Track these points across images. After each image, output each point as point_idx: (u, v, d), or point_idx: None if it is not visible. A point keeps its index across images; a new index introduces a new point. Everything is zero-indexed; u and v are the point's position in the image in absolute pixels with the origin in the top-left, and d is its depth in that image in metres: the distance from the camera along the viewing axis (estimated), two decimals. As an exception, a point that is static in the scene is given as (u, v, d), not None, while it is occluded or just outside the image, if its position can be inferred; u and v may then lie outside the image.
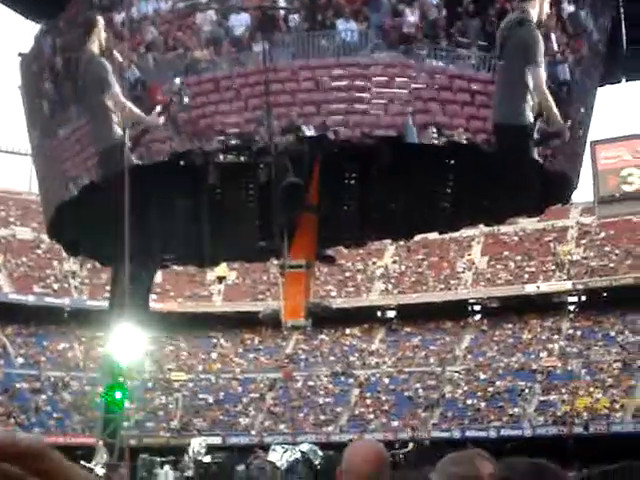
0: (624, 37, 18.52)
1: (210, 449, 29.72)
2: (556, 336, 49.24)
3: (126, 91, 16.26)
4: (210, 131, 16.35)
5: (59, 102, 17.55)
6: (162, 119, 16.23)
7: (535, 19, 14.87)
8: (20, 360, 49.89)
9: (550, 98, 15.06)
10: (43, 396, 47.90)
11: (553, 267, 52.07)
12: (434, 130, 15.59)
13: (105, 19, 16.41)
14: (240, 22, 15.99)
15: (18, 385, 47.72)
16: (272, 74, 15.57)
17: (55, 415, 46.97)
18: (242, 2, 16.26)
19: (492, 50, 15.28)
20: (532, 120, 14.85)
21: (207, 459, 27.75)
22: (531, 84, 14.66)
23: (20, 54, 19.15)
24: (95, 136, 16.62)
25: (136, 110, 16.14)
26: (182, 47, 16.22)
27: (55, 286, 54.35)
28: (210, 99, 16.19)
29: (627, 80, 20.60)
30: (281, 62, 15.79)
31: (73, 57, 17.02)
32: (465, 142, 15.78)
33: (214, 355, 54.15)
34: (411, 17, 15.61)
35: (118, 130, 16.00)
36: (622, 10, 18.18)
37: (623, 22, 18.31)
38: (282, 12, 15.72)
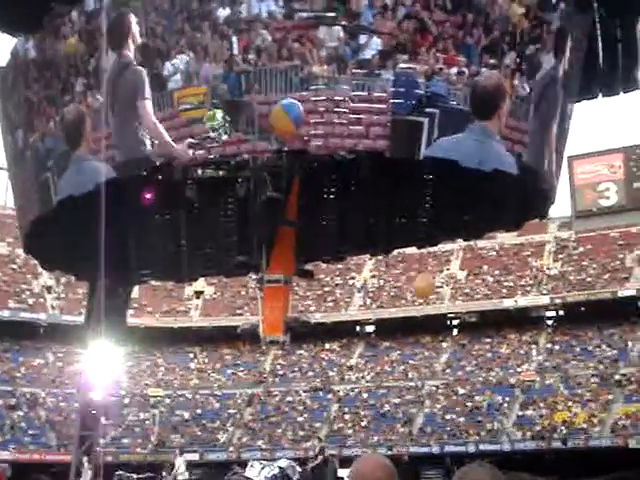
0: (600, 53, 18.66)
1: (188, 466, 29.49)
2: (534, 350, 49.39)
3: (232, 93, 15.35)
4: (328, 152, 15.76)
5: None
6: (191, 152, 15.43)
7: None
8: (-5, 376, 49.39)
9: None
10: (19, 412, 47.39)
11: (531, 282, 52.28)
12: None
13: (203, 11, 15.63)
14: (370, 45, 15.12)
15: (-7, 401, 47.22)
16: None
17: (31, 432, 46.47)
18: (375, 25, 15.52)
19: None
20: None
21: (185, 476, 27.54)
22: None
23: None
24: (121, 144, 15.73)
25: (165, 135, 15.38)
26: (299, 59, 15.19)
27: (30, 301, 53.87)
28: (325, 118, 14.94)
29: (604, 96, 20.69)
30: None
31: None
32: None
33: (192, 371, 53.83)
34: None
35: (146, 143, 15.13)
36: (598, 26, 18.32)
37: (599, 38, 18.46)
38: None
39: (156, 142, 15.16)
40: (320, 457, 21.88)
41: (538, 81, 16.01)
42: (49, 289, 54.97)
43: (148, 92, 14.99)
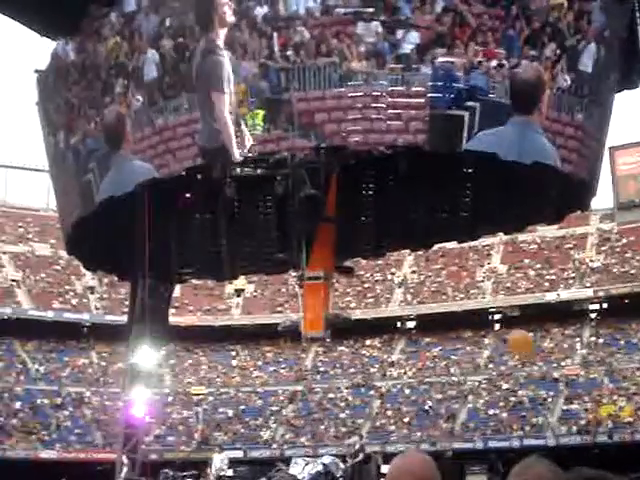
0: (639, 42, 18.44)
1: (232, 463, 29.63)
2: (578, 344, 48.86)
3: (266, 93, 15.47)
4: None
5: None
6: (240, 157, 15.37)
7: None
8: (40, 376, 50.05)
9: None
10: (64, 412, 48.00)
11: (574, 275, 51.72)
12: None
13: (241, 10, 15.46)
14: (408, 40, 15.15)
15: (39, 401, 47.86)
16: None
17: (76, 431, 47.04)
18: (413, 19, 15.35)
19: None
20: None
21: (229, 473, 27.66)
22: None
23: (37, 71, 19.23)
24: (202, 131, 15.50)
25: (230, 132, 14.79)
26: (337, 55, 15.20)
27: (74, 302, 54.55)
28: (363, 114, 15.04)
29: (645, 85, 20.43)
30: None
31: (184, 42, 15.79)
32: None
33: (233, 368, 54.10)
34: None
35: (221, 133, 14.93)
36: (637, 15, 18.09)
37: (638, 27, 18.23)
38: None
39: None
40: (360, 454, 21.85)
41: (583, 74, 15.86)
42: (92, 290, 55.60)
43: (224, 84, 14.47)
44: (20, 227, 58.47)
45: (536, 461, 2.63)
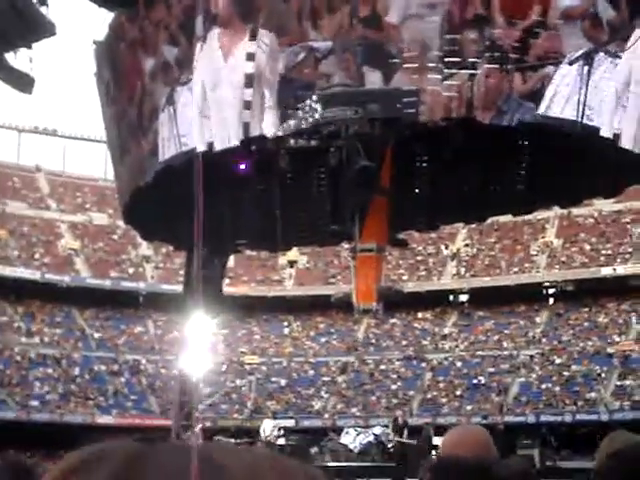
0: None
1: (284, 432, 30.00)
2: (634, 319, 48.20)
3: None
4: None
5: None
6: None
7: None
8: (98, 343, 51.09)
9: None
10: (121, 378, 48.99)
11: (630, 249, 50.93)
12: None
13: None
14: None
15: (96, 368, 48.90)
16: None
17: (132, 397, 48.00)
18: None
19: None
20: None
21: (281, 441, 28.01)
22: None
23: (95, 42, 19.44)
24: None
25: None
26: None
27: (130, 270, 55.43)
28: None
29: None
30: None
31: None
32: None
33: (286, 338, 54.55)
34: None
35: None
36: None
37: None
38: None
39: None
40: (405, 430, 22.06)
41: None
42: (148, 259, 56.43)
43: None
44: (78, 197, 59.48)
45: (629, 435, 2.64)
